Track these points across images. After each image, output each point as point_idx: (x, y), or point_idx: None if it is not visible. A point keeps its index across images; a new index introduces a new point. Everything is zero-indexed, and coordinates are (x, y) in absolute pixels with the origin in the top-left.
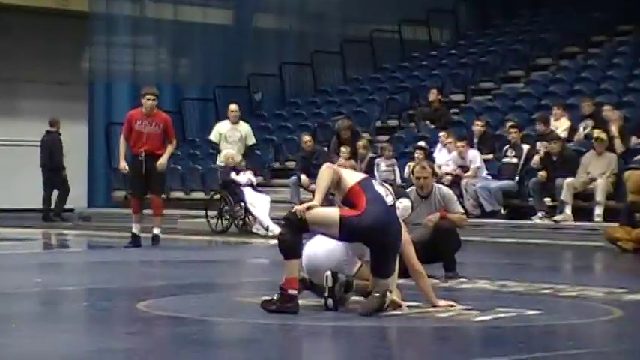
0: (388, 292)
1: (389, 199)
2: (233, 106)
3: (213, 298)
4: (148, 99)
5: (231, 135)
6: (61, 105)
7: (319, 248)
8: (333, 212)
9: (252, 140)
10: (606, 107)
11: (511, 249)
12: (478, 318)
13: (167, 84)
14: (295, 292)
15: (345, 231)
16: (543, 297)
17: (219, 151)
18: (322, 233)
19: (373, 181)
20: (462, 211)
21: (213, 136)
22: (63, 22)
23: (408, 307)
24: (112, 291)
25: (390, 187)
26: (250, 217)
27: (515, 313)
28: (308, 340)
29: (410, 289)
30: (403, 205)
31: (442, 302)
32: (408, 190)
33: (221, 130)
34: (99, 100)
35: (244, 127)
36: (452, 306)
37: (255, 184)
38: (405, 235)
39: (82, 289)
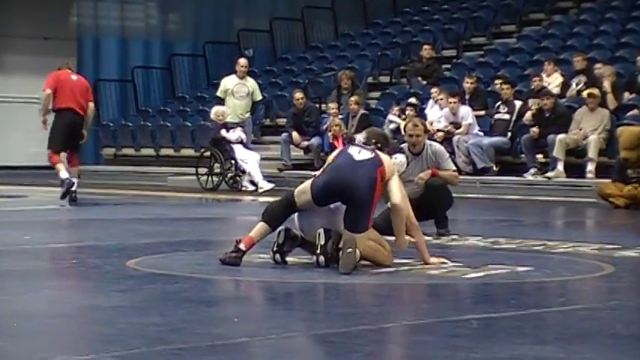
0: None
1: (359, 155)
2: (243, 61)
3: (203, 256)
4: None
5: (238, 90)
6: (48, 61)
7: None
8: (308, 181)
9: (259, 96)
10: (598, 65)
11: (503, 206)
12: (470, 275)
13: (156, 40)
14: (244, 248)
15: (314, 193)
16: (535, 254)
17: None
18: (307, 206)
19: (352, 147)
20: (454, 168)
21: (220, 92)
22: None
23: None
24: (102, 248)
25: (371, 147)
26: (240, 174)
27: (506, 270)
28: (297, 298)
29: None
30: (398, 160)
31: (434, 259)
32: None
33: (228, 85)
34: (87, 55)
35: (252, 83)
36: (444, 263)
37: (245, 140)
38: (402, 190)
39: (71, 246)
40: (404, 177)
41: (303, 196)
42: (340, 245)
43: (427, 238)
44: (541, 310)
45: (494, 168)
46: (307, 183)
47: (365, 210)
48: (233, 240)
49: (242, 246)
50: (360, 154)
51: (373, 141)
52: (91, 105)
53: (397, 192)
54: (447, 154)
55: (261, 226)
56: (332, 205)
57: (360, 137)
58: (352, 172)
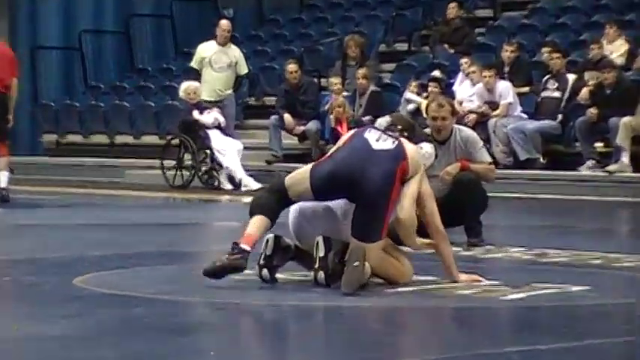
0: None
1: (378, 144)
2: (224, 23)
3: (170, 272)
4: None
5: (217, 60)
6: None
7: (310, 205)
8: (306, 166)
9: (244, 68)
10: None
11: (552, 207)
12: (509, 296)
13: None
14: (249, 247)
15: (314, 183)
16: (592, 269)
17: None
18: (303, 197)
19: (371, 130)
20: (490, 159)
21: (195, 62)
22: None
23: (425, 282)
24: (41, 263)
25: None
26: (217, 168)
27: (556, 290)
28: (291, 326)
29: (422, 259)
30: (424, 150)
31: (464, 276)
32: None
33: (205, 52)
34: (21, 17)
35: (235, 51)
36: (477, 281)
37: (224, 125)
38: (427, 188)
39: (4, 259)
40: (428, 171)
41: (297, 187)
42: (345, 258)
43: (456, 249)
44: (600, 341)
45: (541, 160)
46: (304, 170)
47: (378, 213)
48: (208, 252)
49: (245, 246)
50: (379, 141)
51: (399, 127)
52: (15, 81)
53: (408, 205)
54: (481, 143)
55: (257, 220)
56: (339, 207)
57: (381, 121)
58: (366, 163)
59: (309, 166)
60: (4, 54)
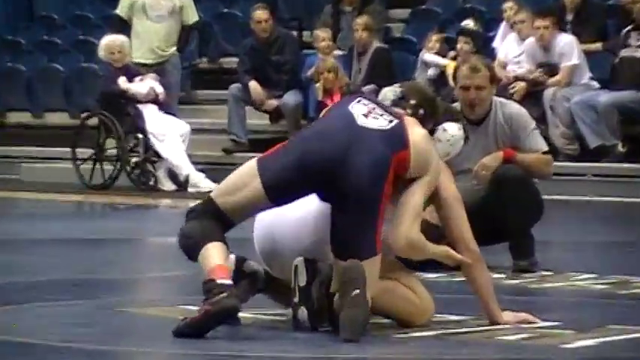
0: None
1: (367, 120)
2: None
3: (85, 310)
4: None
5: (155, 4)
6: None
7: (283, 215)
8: (247, 163)
9: (193, 16)
10: None
11: (634, 216)
12: (575, 343)
13: None
14: (228, 281)
15: (268, 181)
16: None
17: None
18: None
19: (360, 100)
20: (545, 147)
21: (120, 9)
22: None
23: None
24: None
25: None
26: (154, 159)
27: (639, 334)
28: None
29: (448, 290)
30: (449, 132)
31: (510, 315)
32: None
33: None
34: None
35: None
36: (528, 322)
37: (163, 98)
38: (452, 188)
39: None
40: (454, 164)
41: (238, 195)
42: (334, 287)
43: (497, 276)
44: None
45: (620, 148)
46: (245, 168)
47: (367, 218)
48: (142, 280)
49: (224, 280)
50: (369, 116)
51: (412, 102)
52: None
53: (408, 224)
54: (533, 123)
55: (212, 248)
56: (324, 214)
57: (387, 92)
58: (348, 146)
59: (252, 161)
60: None
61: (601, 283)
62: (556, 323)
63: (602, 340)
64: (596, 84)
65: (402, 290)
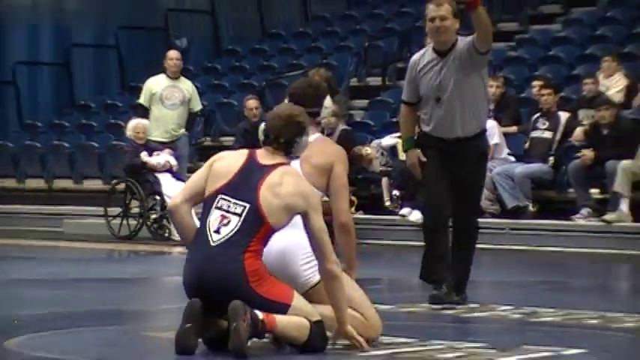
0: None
1: (217, 236)
2: (174, 53)
3: (114, 334)
4: None
5: (169, 96)
6: None
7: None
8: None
9: (198, 104)
10: None
11: (543, 261)
12: None
13: (46, 24)
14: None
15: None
16: (589, 330)
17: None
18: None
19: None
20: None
21: (143, 98)
22: None
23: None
24: None
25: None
26: (169, 216)
27: (549, 354)
28: None
29: (395, 318)
30: (325, 104)
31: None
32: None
33: (155, 87)
34: None
35: (188, 85)
36: (358, 343)
37: (176, 168)
38: (343, 178)
39: None
40: (429, 94)
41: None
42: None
43: (435, 307)
44: None
45: (531, 208)
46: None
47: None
48: (158, 311)
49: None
50: (221, 227)
51: (272, 138)
52: None
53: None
54: None
55: None
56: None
57: (260, 131)
58: (203, 270)
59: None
60: None
61: (517, 313)
62: (482, 344)
63: (518, 357)
64: (512, 158)
65: (353, 313)
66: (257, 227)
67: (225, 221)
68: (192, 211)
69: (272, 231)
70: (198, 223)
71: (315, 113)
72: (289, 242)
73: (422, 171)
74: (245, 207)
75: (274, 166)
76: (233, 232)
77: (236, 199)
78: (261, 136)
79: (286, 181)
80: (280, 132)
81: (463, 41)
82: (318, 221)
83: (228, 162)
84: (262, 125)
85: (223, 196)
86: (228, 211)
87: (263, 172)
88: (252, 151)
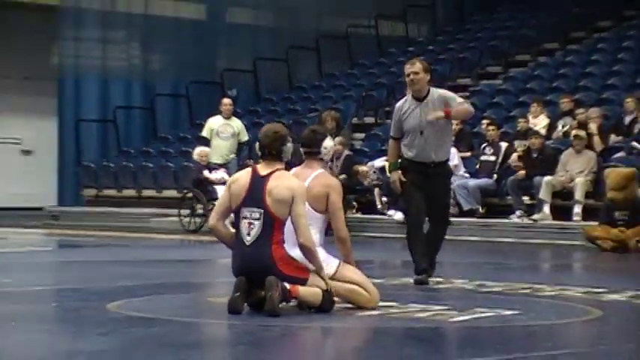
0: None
1: (248, 238)
2: (226, 100)
3: (184, 299)
4: None
5: (223, 130)
6: (29, 101)
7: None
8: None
9: (245, 136)
10: (580, 111)
11: (489, 248)
12: (455, 319)
13: (138, 80)
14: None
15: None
16: (521, 297)
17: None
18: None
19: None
20: (468, 103)
21: (205, 132)
22: (31, 16)
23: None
24: (82, 291)
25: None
26: None
27: (493, 314)
28: (278, 341)
29: (388, 288)
30: (325, 144)
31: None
32: (400, 103)
33: (213, 125)
34: (68, 95)
35: (237, 123)
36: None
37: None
38: (338, 203)
39: (52, 289)
40: (410, 129)
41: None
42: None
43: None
44: (528, 355)
45: (481, 210)
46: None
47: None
48: (216, 283)
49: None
50: (250, 231)
51: (266, 151)
52: None
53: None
54: (456, 95)
55: None
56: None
57: (256, 147)
58: (248, 268)
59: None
60: None
61: (470, 285)
62: (446, 307)
63: (472, 317)
64: (467, 175)
65: (356, 288)
66: (273, 224)
67: (251, 227)
68: (227, 222)
69: (283, 222)
70: (232, 229)
71: (317, 152)
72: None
73: (403, 187)
74: (260, 212)
75: (270, 174)
76: (259, 233)
77: (252, 207)
78: (258, 152)
79: (279, 183)
80: (270, 146)
81: (437, 92)
82: (298, 208)
83: (240, 183)
84: (257, 144)
85: (244, 209)
86: (251, 218)
87: (264, 181)
88: (254, 167)
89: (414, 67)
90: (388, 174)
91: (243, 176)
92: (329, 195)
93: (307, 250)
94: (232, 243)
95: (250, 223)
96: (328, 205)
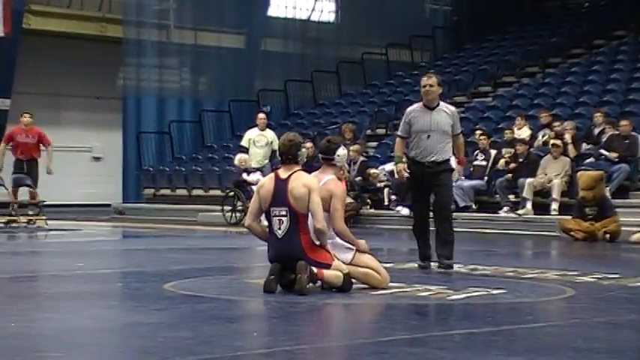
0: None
1: (279, 232)
2: (261, 115)
3: (227, 280)
4: (24, 116)
5: (259, 140)
6: (99, 116)
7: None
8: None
9: (277, 145)
10: (556, 123)
11: (481, 238)
12: (453, 297)
13: (188, 98)
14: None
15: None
16: (507, 279)
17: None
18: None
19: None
20: (461, 130)
21: (244, 141)
22: (101, 46)
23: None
24: (142, 274)
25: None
26: None
27: (484, 292)
28: (305, 316)
29: (391, 272)
30: (339, 152)
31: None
32: (410, 108)
33: (250, 135)
34: (131, 112)
35: (270, 134)
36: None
37: None
38: (338, 204)
39: (117, 272)
40: (421, 131)
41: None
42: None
43: (412, 264)
44: (513, 327)
45: (474, 206)
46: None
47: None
48: (254, 267)
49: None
50: (281, 226)
51: (287, 157)
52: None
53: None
54: (456, 111)
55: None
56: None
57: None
58: (283, 256)
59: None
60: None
61: (464, 268)
62: (444, 287)
63: (466, 295)
64: (463, 177)
65: (370, 271)
66: (297, 218)
67: (281, 222)
68: (261, 218)
69: (306, 216)
70: (265, 223)
71: (331, 159)
72: (336, 240)
73: (409, 185)
74: (286, 210)
75: (289, 177)
76: (288, 227)
77: (279, 206)
78: (278, 157)
79: (297, 183)
80: (288, 151)
81: (449, 107)
82: (315, 198)
83: (266, 188)
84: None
85: (273, 209)
86: (279, 216)
87: (285, 183)
88: (276, 172)
89: (430, 80)
90: (396, 175)
91: (268, 182)
92: (332, 198)
93: (321, 234)
94: (266, 237)
95: (280, 220)
96: (330, 207)
